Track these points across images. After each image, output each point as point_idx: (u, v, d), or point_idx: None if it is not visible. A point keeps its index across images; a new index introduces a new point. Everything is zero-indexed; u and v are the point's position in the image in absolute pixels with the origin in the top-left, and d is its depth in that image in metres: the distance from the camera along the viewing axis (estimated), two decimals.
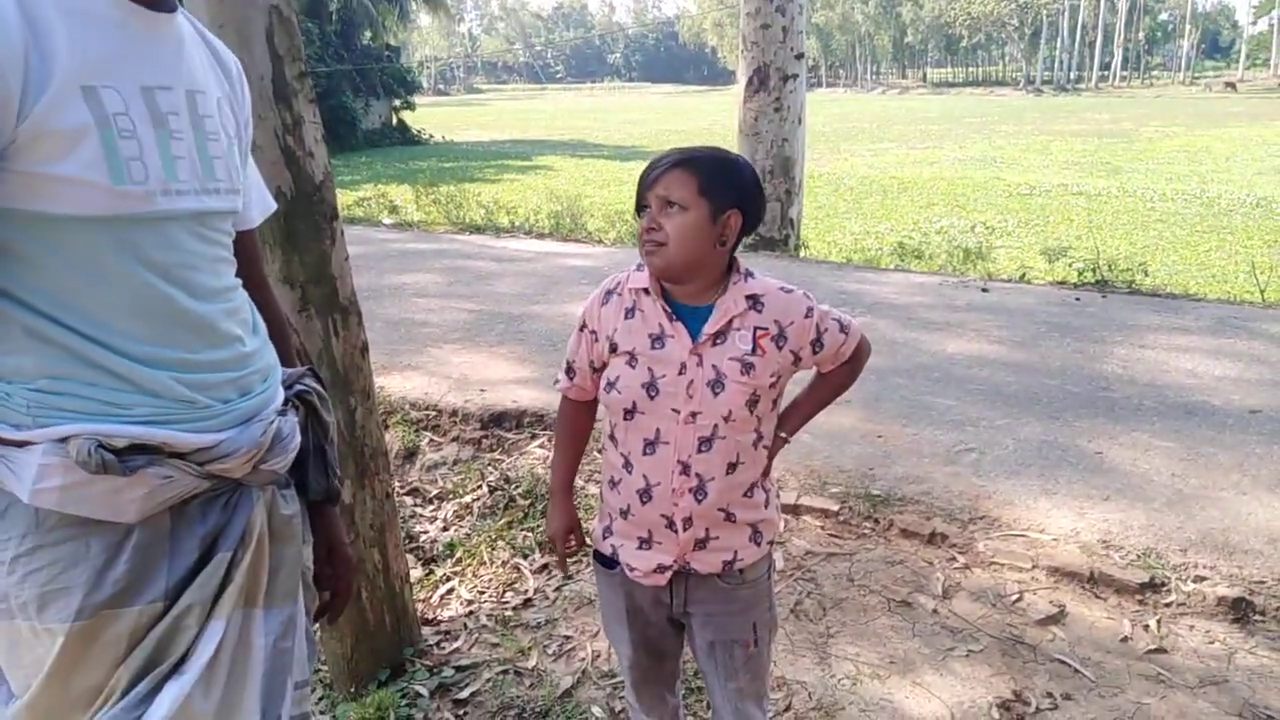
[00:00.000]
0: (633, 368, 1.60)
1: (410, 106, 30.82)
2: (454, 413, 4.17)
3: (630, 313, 1.61)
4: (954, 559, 3.04)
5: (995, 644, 2.65)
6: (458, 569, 3.31)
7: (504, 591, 3.13)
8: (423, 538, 3.54)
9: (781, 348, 1.58)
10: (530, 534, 3.39)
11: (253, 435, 1.23)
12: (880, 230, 11.62)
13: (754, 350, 1.56)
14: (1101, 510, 3.20)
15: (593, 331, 1.66)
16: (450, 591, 3.20)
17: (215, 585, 1.19)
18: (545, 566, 3.22)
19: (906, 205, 13.86)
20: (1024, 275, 7.50)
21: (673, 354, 1.57)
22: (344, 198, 15.12)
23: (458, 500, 3.73)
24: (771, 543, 1.74)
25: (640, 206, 1.55)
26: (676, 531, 1.63)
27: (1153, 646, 2.61)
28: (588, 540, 1.83)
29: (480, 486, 3.74)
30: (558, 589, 3.08)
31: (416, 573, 3.37)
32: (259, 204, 1.43)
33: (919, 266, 8.12)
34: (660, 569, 1.66)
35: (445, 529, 3.60)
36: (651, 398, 1.58)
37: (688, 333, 1.57)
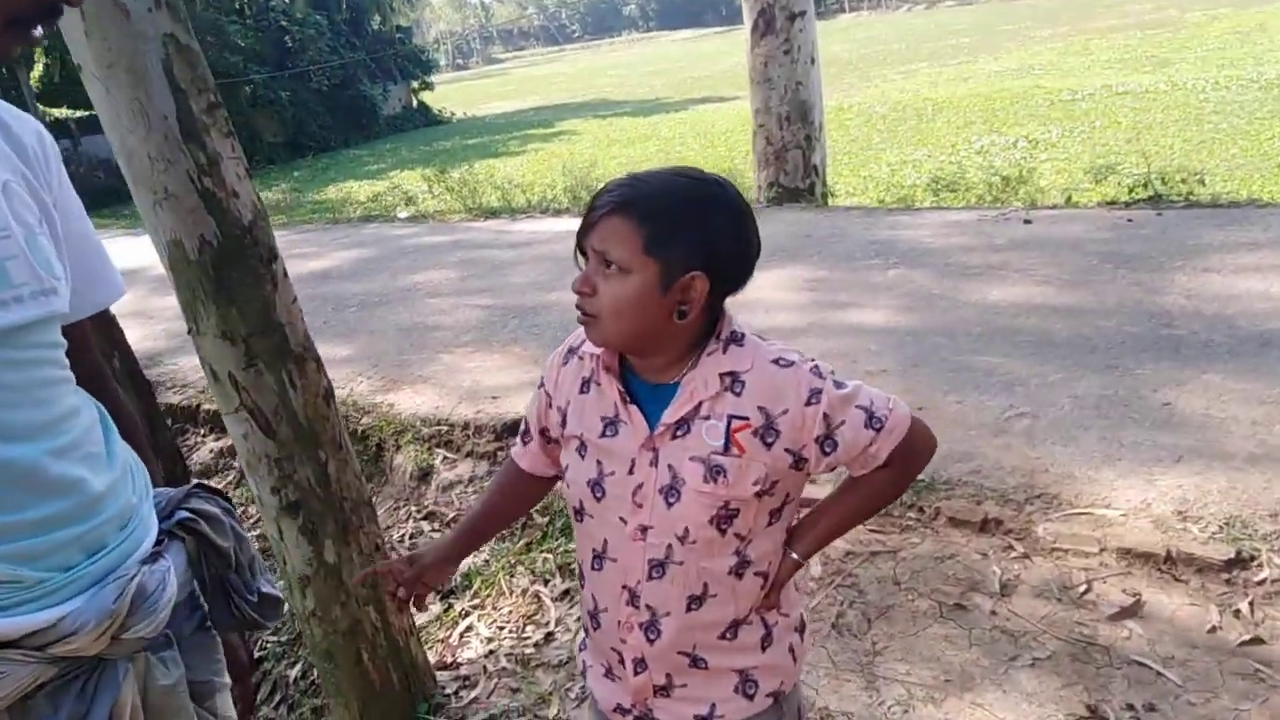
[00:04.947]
0: (581, 457, 1.24)
1: (429, 86, 30.55)
2: (466, 426, 3.95)
3: (586, 385, 1.24)
4: (1011, 548, 2.74)
5: (1063, 648, 2.36)
6: (476, 602, 3.11)
7: (524, 625, 2.93)
8: None
9: (771, 444, 1.14)
10: (550, 555, 3.17)
11: (103, 602, 1.00)
12: (916, 158, 11.09)
13: (727, 448, 1.13)
14: (1174, 475, 2.85)
15: (548, 393, 1.31)
16: (469, 629, 3.01)
17: None
18: (567, 593, 3.01)
19: (943, 127, 13.20)
20: (1070, 199, 7.00)
21: (623, 446, 1.18)
22: (363, 190, 14.99)
23: None
24: (777, 695, 1.29)
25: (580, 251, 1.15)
26: (628, 671, 1.28)
27: (1246, 637, 2.29)
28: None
29: None
30: (579, 619, 2.87)
31: (436, 609, 3.19)
32: (95, 291, 1.20)
33: (955, 201, 7.64)
34: (620, 710, 1.32)
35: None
36: (597, 499, 1.22)
37: (644, 419, 1.17)
